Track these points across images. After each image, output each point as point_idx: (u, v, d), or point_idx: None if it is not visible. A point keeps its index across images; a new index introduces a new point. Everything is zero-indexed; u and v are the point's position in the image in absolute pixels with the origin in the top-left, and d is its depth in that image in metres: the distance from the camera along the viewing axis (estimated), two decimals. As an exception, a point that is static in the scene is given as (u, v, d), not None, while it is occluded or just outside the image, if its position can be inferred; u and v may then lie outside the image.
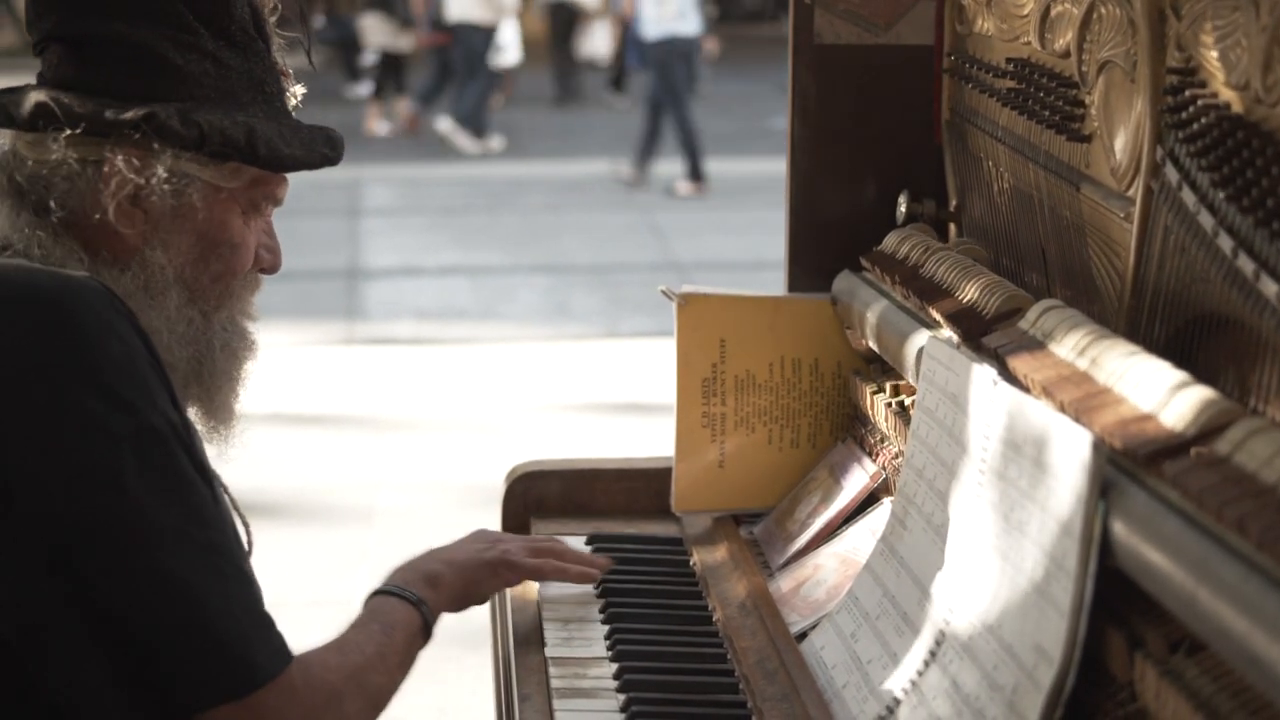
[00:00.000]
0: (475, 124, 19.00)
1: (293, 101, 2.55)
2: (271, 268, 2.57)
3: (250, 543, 2.53)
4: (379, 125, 20.64)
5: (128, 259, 2.40)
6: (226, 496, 2.43)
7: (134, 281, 2.39)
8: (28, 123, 2.39)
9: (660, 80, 16.46)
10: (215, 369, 2.48)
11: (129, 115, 2.35)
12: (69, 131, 2.36)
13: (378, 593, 2.70)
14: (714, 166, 17.18)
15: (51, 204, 2.37)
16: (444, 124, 19.32)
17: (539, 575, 2.86)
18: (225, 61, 2.44)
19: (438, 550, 2.79)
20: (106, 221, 2.37)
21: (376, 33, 20.92)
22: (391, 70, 21.17)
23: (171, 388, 2.30)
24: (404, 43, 20.78)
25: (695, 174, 16.25)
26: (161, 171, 2.37)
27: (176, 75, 2.40)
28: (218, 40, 2.44)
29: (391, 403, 9.30)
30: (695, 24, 16.69)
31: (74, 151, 2.37)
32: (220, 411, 2.52)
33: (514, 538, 2.91)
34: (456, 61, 19.42)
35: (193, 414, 2.50)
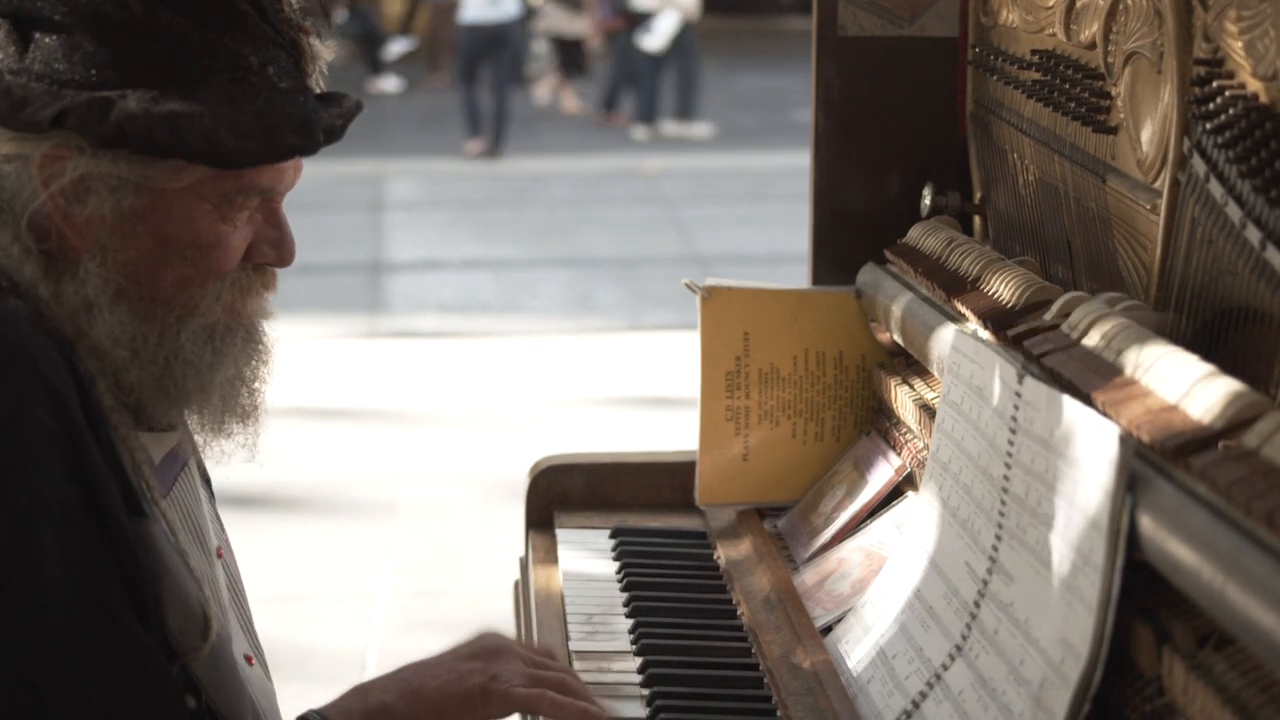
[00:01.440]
0: (647, 112, 19.46)
1: (318, 61, 2.29)
2: (279, 262, 2.32)
3: (207, 622, 2.21)
4: (573, 104, 21.11)
5: (69, 268, 2.18)
6: (181, 565, 2.20)
7: (76, 294, 2.17)
8: None
9: (461, 61, 18.30)
10: (184, 386, 2.24)
11: (45, 113, 2.12)
12: None
13: (306, 714, 2.32)
14: (738, 160, 17.19)
15: (3, 201, 2.18)
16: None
17: (531, 709, 2.40)
18: (180, 38, 2.15)
19: (414, 667, 2.40)
20: (42, 225, 2.17)
21: (553, 18, 21.29)
22: (569, 55, 21.56)
23: (83, 452, 2.08)
24: (579, 27, 21.09)
25: (496, 138, 17.85)
26: (88, 173, 2.15)
27: (115, 59, 2.14)
28: (176, 13, 2.15)
29: (414, 396, 9.31)
30: (511, 10, 18.22)
31: (9, 147, 2.17)
32: (212, 426, 2.31)
33: (516, 652, 2.47)
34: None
35: (193, 424, 2.33)
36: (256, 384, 2.34)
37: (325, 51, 2.31)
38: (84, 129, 2.13)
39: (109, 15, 2.15)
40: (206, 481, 2.52)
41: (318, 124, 2.23)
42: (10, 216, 2.17)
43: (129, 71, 2.14)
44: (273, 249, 2.30)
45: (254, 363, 2.33)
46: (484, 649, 2.45)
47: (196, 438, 2.37)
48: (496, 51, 18.09)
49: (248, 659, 2.36)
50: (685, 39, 19.30)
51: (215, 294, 2.24)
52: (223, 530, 2.49)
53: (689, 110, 19.31)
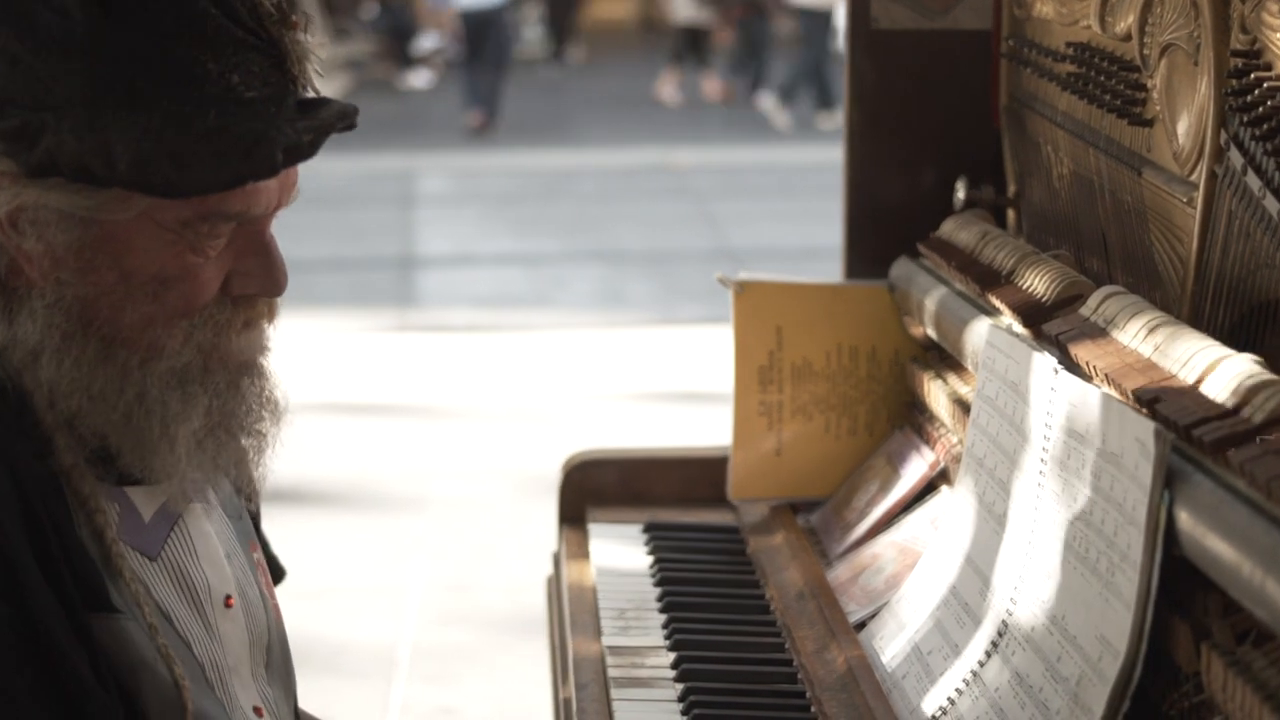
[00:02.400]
0: (789, 100, 20.23)
1: (307, 60, 2.03)
2: (265, 293, 2.07)
3: (184, 708, 2.05)
4: (668, 92, 21.76)
5: (22, 308, 2.00)
6: (158, 656, 2.03)
7: (26, 337, 1.99)
8: None
9: (470, 45, 19.95)
10: (149, 434, 2.03)
11: None
12: None
13: None
14: (768, 155, 17.18)
15: None
16: (766, 101, 20.58)
17: None
18: (127, 49, 1.92)
19: None
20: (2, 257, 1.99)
21: (684, 8, 22.09)
22: (692, 43, 22.27)
23: (17, 564, 1.91)
24: (704, 16, 21.84)
25: (490, 113, 19.44)
26: (24, 204, 1.95)
27: (55, 76, 1.92)
28: (123, 21, 1.93)
29: (446, 390, 9.31)
30: None
31: None
32: (178, 479, 2.07)
33: None
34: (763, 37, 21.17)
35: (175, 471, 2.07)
36: (257, 425, 2.12)
37: (318, 48, 2.07)
38: (15, 155, 1.94)
39: (50, 27, 1.93)
40: (254, 515, 2.37)
41: (275, 144, 1.97)
42: None
43: (70, 89, 1.92)
44: (256, 280, 2.06)
45: (244, 406, 2.10)
46: None
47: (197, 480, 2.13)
48: (488, 35, 19.60)
49: (256, 711, 2.22)
50: (817, 30, 19.72)
51: (184, 334, 2.02)
52: (251, 562, 2.31)
53: (829, 99, 19.55)
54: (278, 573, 2.46)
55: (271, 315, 2.12)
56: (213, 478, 2.13)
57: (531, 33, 25.28)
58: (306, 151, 2.00)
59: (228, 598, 2.20)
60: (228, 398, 2.08)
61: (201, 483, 2.13)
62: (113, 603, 2.01)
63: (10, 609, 1.92)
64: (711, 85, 21.82)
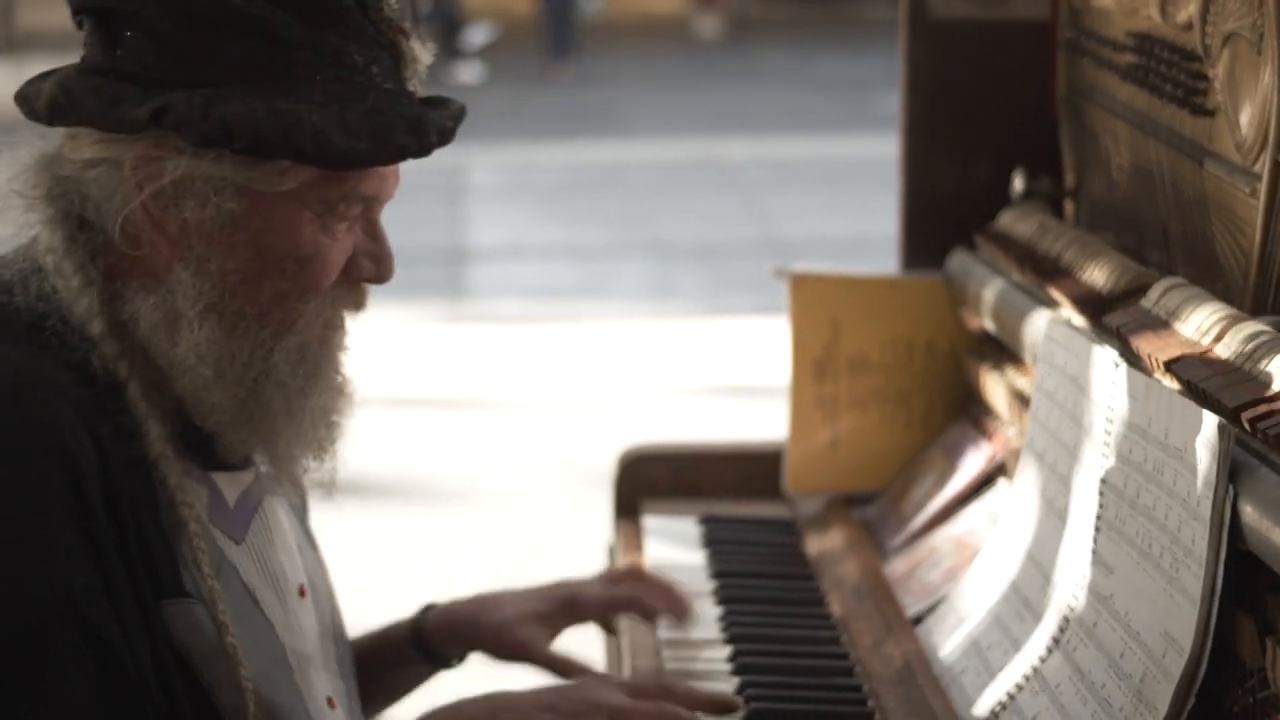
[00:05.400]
0: None
1: (417, 64, 2.15)
2: (377, 278, 2.19)
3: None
4: None
5: (157, 280, 2.08)
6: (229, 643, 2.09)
7: (157, 311, 2.07)
8: (45, 115, 2.08)
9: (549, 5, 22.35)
10: (270, 409, 2.11)
11: (141, 110, 2.01)
12: (85, 128, 2.06)
13: None
14: (818, 147, 17.14)
15: (78, 211, 2.08)
16: None
17: None
18: (281, 32, 2.03)
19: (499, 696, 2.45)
20: (132, 234, 2.07)
21: None
22: None
23: (107, 535, 1.98)
24: None
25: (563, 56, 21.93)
26: (187, 175, 2.03)
27: (212, 54, 2.03)
28: (276, 6, 2.04)
29: (496, 382, 9.31)
30: None
31: (97, 150, 2.06)
32: (285, 458, 2.18)
33: (615, 687, 2.38)
34: None
35: (266, 456, 2.20)
36: (335, 417, 2.21)
37: (424, 54, 2.16)
38: (183, 127, 2.00)
39: (204, 8, 2.04)
40: (304, 506, 2.43)
41: (430, 125, 2.10)
42: (83, 241, 2.08)
43: (226, 67, 2.03)
44: (372, 263, 2.18)
45: (337, 390, 2.20)
46: (573, 694, 2.46)
47: (272, 469, 2.23)
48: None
49: (329, 702, 2.26)
50: None
51: (315, 311, 2.13)
52: (316, 555, 2.39)
53: None
54: None
55: (365, 305, 2.23)
56: (317, 459, 2.21)
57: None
58: (449, 136, 2.13)
59: (301, 587, 2.27)
60: (331, 379, 2.18)
61: (304, 462, 2.20)
62: (185, 588, 2.07)
63: (104, 579, 1.97)
64: None
